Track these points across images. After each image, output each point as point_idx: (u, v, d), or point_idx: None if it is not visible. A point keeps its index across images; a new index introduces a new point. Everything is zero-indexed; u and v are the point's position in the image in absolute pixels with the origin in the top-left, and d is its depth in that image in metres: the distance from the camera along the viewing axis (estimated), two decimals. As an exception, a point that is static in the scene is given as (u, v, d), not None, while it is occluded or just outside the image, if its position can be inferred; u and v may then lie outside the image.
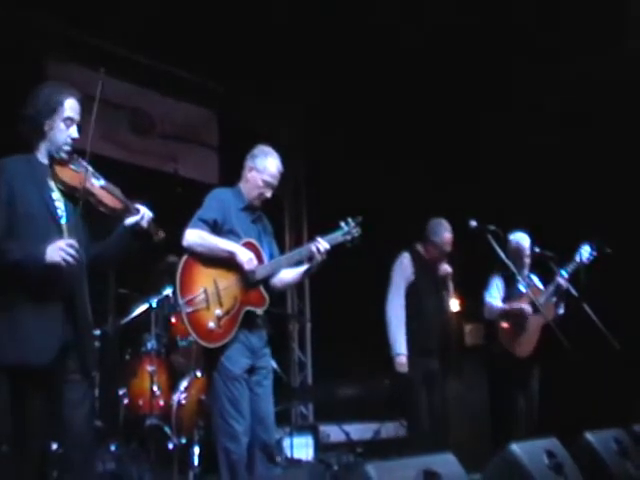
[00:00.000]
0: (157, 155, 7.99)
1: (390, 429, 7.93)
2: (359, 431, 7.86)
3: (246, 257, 4.37)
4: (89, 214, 3.68)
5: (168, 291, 6.27)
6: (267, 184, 4.57)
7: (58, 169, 3.64)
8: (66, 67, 7.32)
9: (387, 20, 7.33)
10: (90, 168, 3.68)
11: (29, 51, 7.02)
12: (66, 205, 3.63)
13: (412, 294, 5.97)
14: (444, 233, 5.96)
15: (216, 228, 4.45)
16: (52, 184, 3.64)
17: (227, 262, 4.39)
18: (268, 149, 4.66)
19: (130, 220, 3.69)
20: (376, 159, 8.55)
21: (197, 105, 8.74)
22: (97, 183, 3.66)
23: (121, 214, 3.70)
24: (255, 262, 4.41)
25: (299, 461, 7.02)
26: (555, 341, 5.44)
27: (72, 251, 3.40)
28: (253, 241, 4.51)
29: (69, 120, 3.66)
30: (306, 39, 7.58)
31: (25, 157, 3.66)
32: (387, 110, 8.28)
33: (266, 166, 4.57)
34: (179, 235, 4.38)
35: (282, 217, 9.50)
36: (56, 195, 3.63)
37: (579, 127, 7.40)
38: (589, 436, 4.09)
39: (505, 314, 6.11)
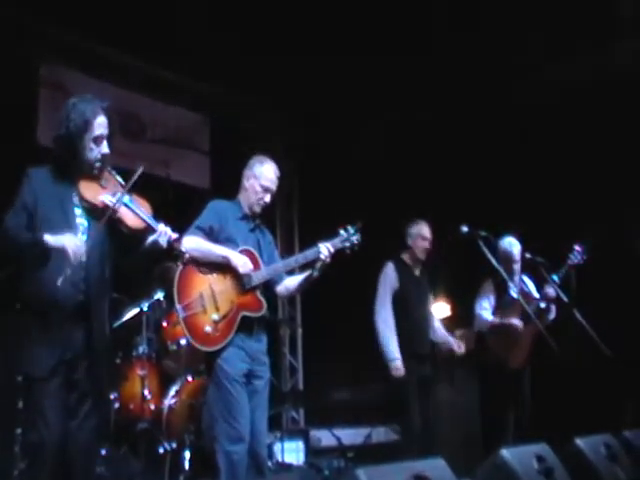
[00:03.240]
0: (149, 159, 7.98)
1: (381, 434, 7.93)
2: (350, 436, 7.85)
3: (241, 261, 4.44)
4: (115, 230, 3.71)
5: (159, 295, 6.27)
6: (265, 189, 4.66)
7: (83, 185, 3.66)
8: (59, 70, 7.33)
9: (382, 24, 7.36)
10: (121, 181, 3.71)
11: (22, 54, 7.03)
12: (89, 221, 3.66)
13: (399, 301, 6.03)
14: (419, 228, 6.13)
15: (212, 235, 4.52)
16: (76, 199, 3.67)
17: (223, 267, 4.46)
18: (264, 157, 4.78)
19: (149, 239, 3.70)
20: (368, 167, 8.55)
21: (188, 109, 8.74)
22: (122, 201, 3.64)
23: (142, 235, 3.70)
24: (250, 266, 4.47)
25: (290, 465, 7.02)
26: (546, 347, 5.44)
27: (81, 250, 3.45)
28: (250, 248, 4.58)
29: (99, 138, 3.70)
30: (301, 44, 7.59)
31: (51, 168, 3.70)
32: (380, 119, 8.30)
33: (263, 172, 4.68)
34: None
35: (274, 225, 9.49)
36: (79, 211, 3.68)
37: (570, 131, 7.42)
38: (579, 441, 4.09)
39: (496, 328, 6.12)
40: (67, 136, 3.65)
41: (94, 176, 3.71)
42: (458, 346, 6.16)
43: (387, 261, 6.17)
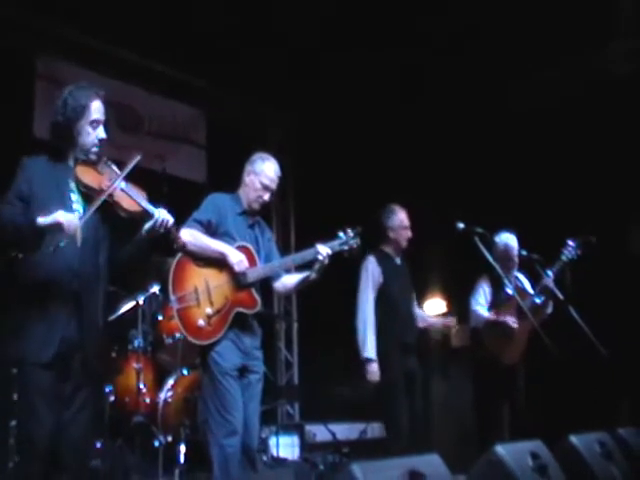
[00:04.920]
0: (145, 152, 7.92)
1: (376, 429, 7.93)
2: (345, 431, 7.87)
3: (237, 259, 4.43)
4: (111, 218, 3.69)
5: (155, 289, 6.27)
6: (265, 187, 4.65)
7: (80, 170, 3.65)
8: (55, 63, 7.32)
9: (381, 23, 7.36)
10: (117, 171, 3.70)
11: (18, 47, 7.02)
12: (84, 208, 3.63)
13: (384, 294, 5.92)
14: (400, 218, 6.01)
15: (210, 229, 4.51)
16: (72, 185, 3.66)
17: (219, 262, 4.45)
18: (266, 155, 4.77)
19: (146, 225, 3.69)
20: (364, 162, 8.53)
21: (185, 104, 8.74)
22: (119, 186, 3.64)
23: (139, 218, 3.69)
24: (246, 264, 4.45)
25: (285, 460, 7.04)
26: (541, 344, 5.44)
27: (74, 222, 3.42)
28: (247, 245, 4.56)
29: (95, 122, 3.71)
30: (297, 39, 7.59)
31: (47, 157, 3.70)
32: (376, 114, 8.29)
33: (263, 169, 4.66)
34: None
35: (269, 219, 9.46)
36: (75, 197, 3.66)
37: (563, 127, 7.43)
38: (573, 439, 4.10)
39: (491, 324, 6.10)
40: (64, 121, 3.65)
41: (91, 162, 3.71)
42: (450, 322, 6.17)
43: (368, 255, 6.00)
